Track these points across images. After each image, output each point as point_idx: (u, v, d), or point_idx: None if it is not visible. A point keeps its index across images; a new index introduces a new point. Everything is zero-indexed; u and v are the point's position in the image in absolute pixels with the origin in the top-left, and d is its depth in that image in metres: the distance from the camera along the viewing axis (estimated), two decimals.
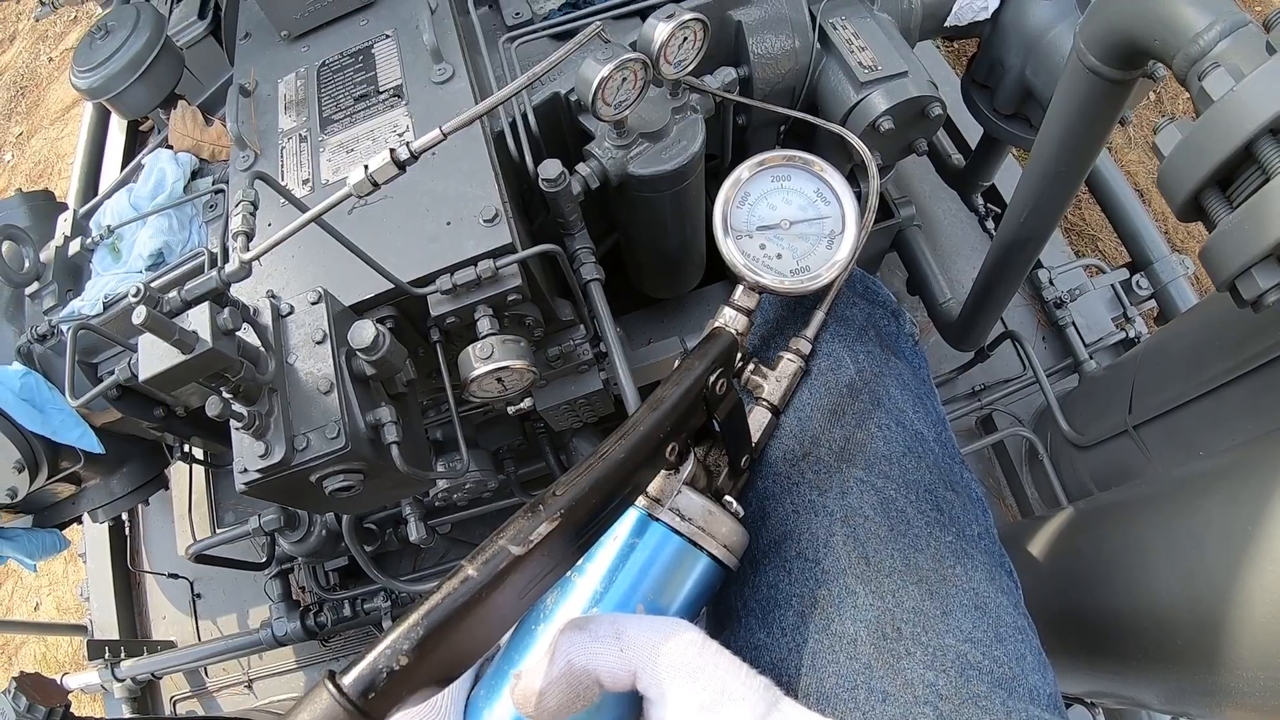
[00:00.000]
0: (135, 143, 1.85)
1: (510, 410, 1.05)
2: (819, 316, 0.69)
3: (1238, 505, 0.76)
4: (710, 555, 0.54)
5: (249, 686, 2.03)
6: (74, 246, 1.24)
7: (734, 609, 0.63)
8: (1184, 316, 1.46)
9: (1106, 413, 1.48)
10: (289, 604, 1.81)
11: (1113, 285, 1.92)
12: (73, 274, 1.27)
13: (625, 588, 0.51)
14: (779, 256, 0.68)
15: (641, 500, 0.53)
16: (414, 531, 1.43)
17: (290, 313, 0.81)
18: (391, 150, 0.64)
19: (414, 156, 0.63)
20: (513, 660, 0.48)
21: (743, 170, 0.70)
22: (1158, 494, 0.92)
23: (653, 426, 0.49)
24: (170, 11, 1.82)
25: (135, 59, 1.28)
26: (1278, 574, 0.67)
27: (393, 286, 0.85)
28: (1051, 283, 1.89)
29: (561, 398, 1.16)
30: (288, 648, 1.92)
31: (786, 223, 0.69)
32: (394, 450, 0.80)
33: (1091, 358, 1.84)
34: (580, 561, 0.51)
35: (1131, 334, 1.89)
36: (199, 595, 2.09)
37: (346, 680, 0.34)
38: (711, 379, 0.55)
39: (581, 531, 0.43)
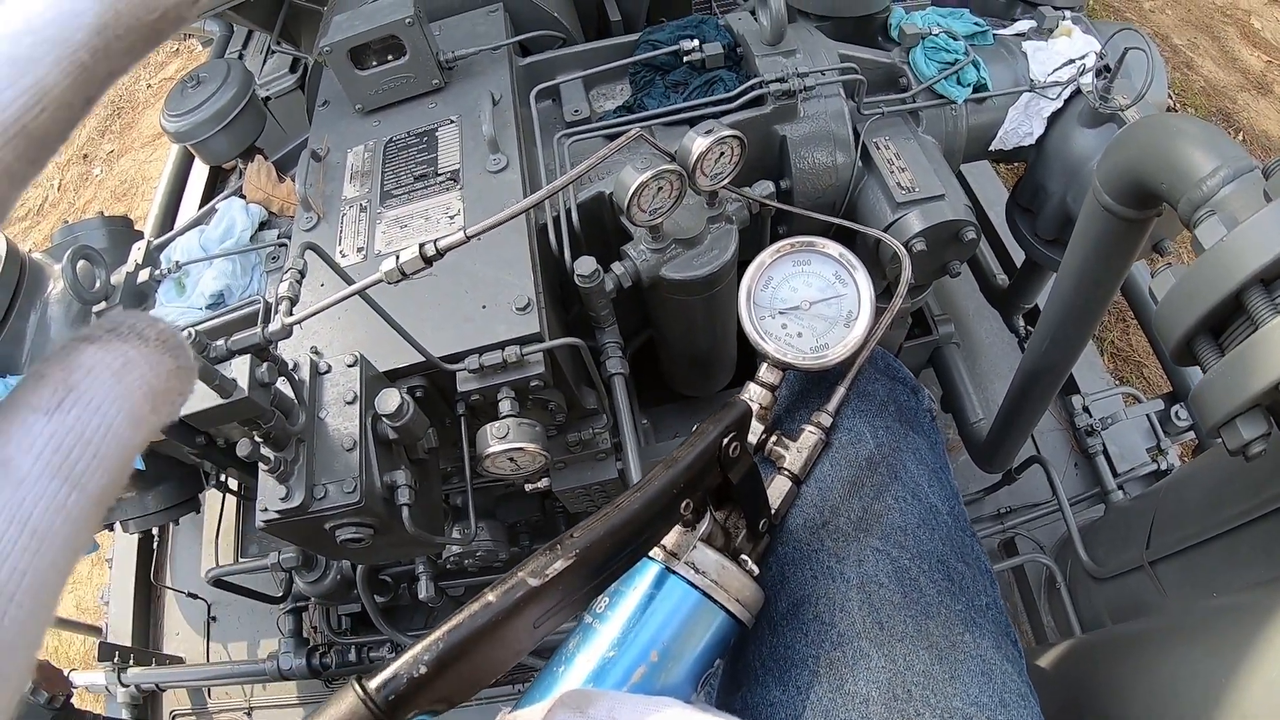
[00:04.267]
0: (216, 183, 1.95)
1: (527, 487, 1.08)
2: (840, 392, 0.72)
3: (1215, 657, 0.76)
4: (724, 609, 0.57)
5: (249, 715, 2.05)
6: (143, 275, 1.31)
7: (752, 667, 0.66)
8: (1206, 454, 1.44)
9: (1126, 546, 1.46)
10: (298, 641, 1.84)
11: (1148, 415, 1.90)
12: (139, 300, 1.34)
13: (644, 637, 0.54)
14: (799, 335, 0.72)
15: (659, 554, 0.57)
16: (424, 589, 1.46)
17: (328, 371, 0.87)
18: (421, 245, 0.69)
19: (440, 254, 0.69)
20: (533, 699, 0.51)
21: (764, 256, 0.75)
22: (1145, 635, 0.92)
23: (667, 482, 0.52)
24: (264, 63, 1.95)
25: (221, 111, 1.37)
26: None
27: (424, 360, 0.90)
28: (1086, 410, 1.86)
29: (578, 481, 1.19)
30: (291, 683, 1.94)
31: (807, 303, 0.73)
32: (405, 512, 0.84)
33: (1120, 488, 1.80)
34: (603, 610, 0.56)
35: (1163, 466, 1.85)
36: (214, 618, 2.12)
37: (372, 684, 0.38)
38: (725, 441, 0.57)
39: (595, 573, 0.46)
